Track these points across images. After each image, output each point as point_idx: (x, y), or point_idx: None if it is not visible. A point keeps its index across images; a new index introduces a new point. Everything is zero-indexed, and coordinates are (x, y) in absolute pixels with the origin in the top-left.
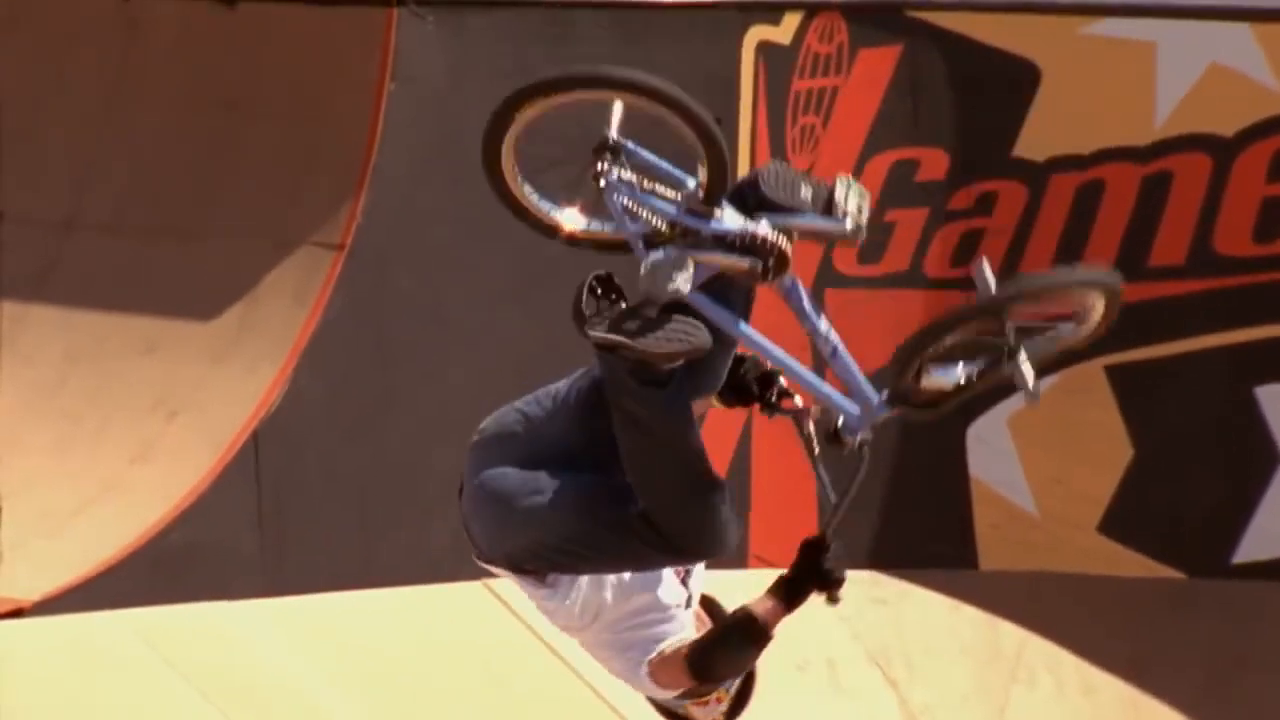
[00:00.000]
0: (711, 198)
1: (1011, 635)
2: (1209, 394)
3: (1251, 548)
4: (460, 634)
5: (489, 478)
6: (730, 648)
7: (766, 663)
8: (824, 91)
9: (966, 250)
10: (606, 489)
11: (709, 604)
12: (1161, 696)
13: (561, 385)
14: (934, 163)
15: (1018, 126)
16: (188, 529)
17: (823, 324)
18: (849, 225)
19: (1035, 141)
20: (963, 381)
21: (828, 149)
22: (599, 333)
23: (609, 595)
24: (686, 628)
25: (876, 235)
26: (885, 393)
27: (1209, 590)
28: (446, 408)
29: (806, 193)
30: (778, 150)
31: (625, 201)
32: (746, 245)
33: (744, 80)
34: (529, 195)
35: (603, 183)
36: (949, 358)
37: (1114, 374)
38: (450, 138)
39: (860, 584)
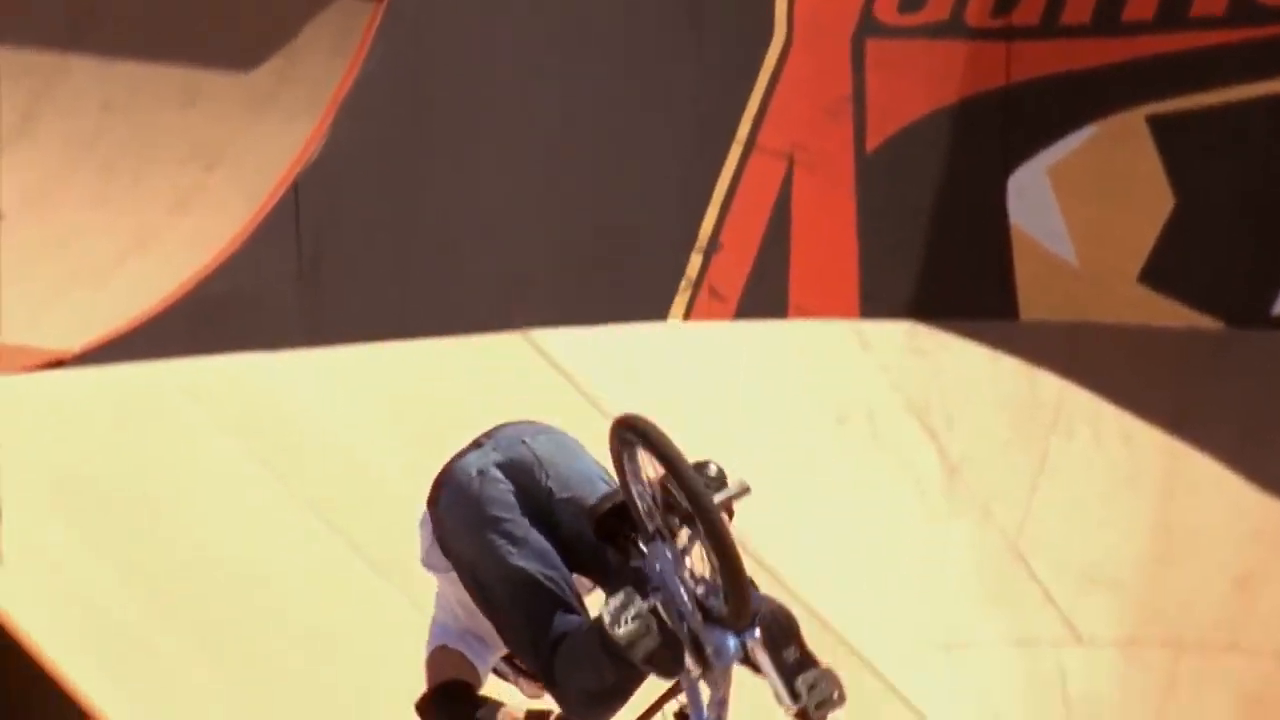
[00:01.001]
0: (722, 619)
1: (1050, 385)
2: (1250, 143)
3: None
4: (500, 385)
5: (494, 480)
6: (431, 713)
7: (806, 415)
8: None
9: None
10: (555, 602)
11: None
12: (1200, 446)
13: (589, 496)
14: None
15: None
16: (228, 280)
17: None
18: (793, 709)
19: None
20: None
21: None
22: (611, 632)
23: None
24: (495, 653)
25: None
26: None
27: (1248, 340)
28: (486, 159)
29: (789, 655)
30: None
31: (665, 564)
32: (702, 658)
33: None
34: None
35: (646, 548)
36: None
37: (1155, 124)
38: None
39: (899, 335)
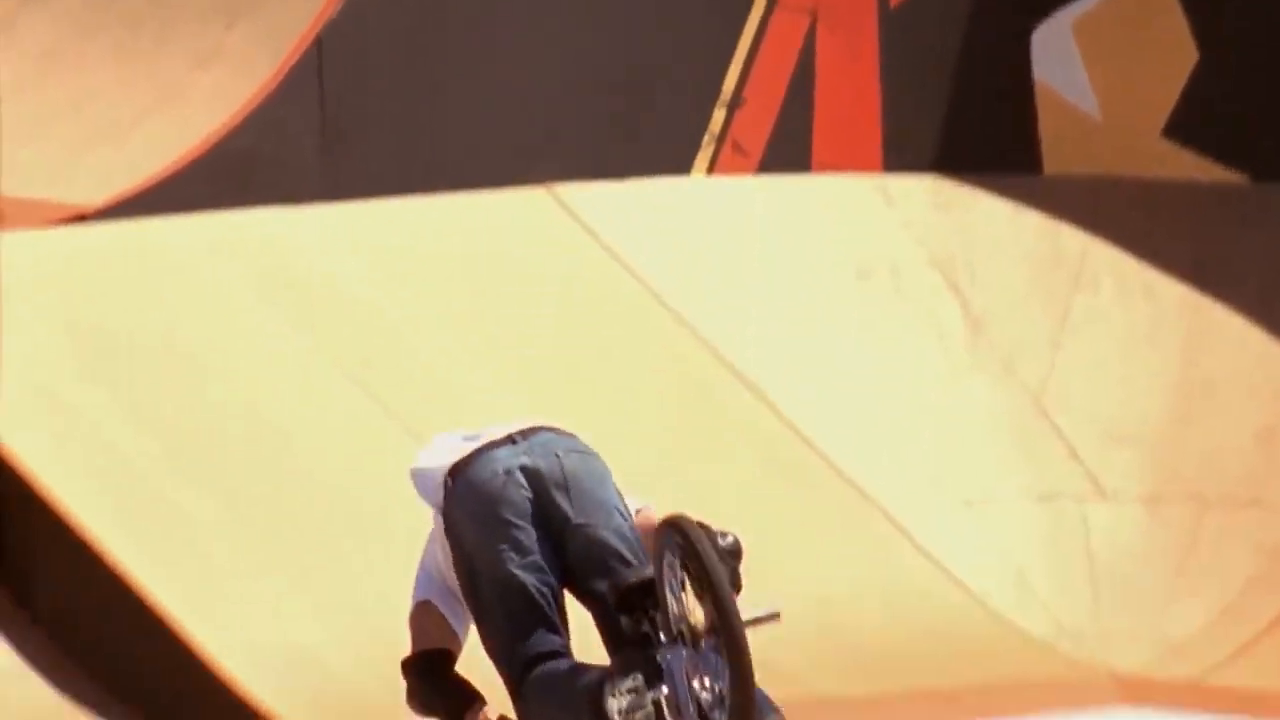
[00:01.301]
0: None
1: (1074, 240)
2: None
3: None
4: (523, 240)
5: (517, 483)
6: (410, 683)
7: (828, 270)
8: None
9: None
10: (540, 618)
11: None
12: (1223, 300)
13: (615, 542)
14: None
15: None
16: (250, 136)
17: None
18: None
19: None
20: None
21: None
22: (611, 715)
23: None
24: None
25: None
26: None
27: (1271, 194)
28: (509, 14)
29: None
30: None
31: (679, 666)
32: None
33: None
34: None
35: (665, 639)
36: None
37: None
38: None
39: (923, 190)
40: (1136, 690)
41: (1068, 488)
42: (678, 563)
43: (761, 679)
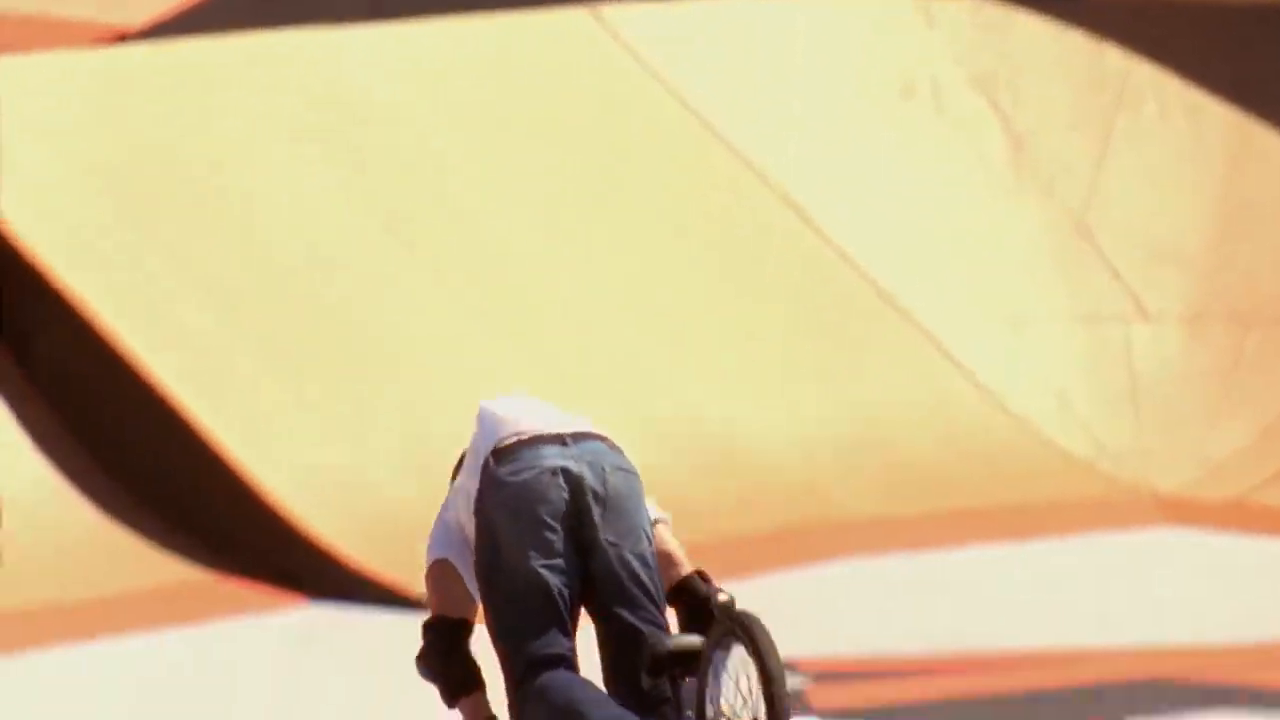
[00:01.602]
0: None
1: (1116, 60)
2: None
3: None
4: (565, 62)
5: (559, 485)
6: (425, 646)
7: (870, 90)
8: None
9: None
10: (555, 617)
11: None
12: (1265, 118)
13: (638, 568)
14: None
15: None
16: None
17: None
18: None
19: None
20: None
21: None
22: None
23: (462, 511)
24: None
25: None
26: None
27: None
28: None
29: None
30: None
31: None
32: None
33: None
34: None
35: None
36: None
37: None
38: None
39: (965, 10)
40: (1177, 510)
41: (1110, 308)
42: (728, 656)
43: (803, 497)
